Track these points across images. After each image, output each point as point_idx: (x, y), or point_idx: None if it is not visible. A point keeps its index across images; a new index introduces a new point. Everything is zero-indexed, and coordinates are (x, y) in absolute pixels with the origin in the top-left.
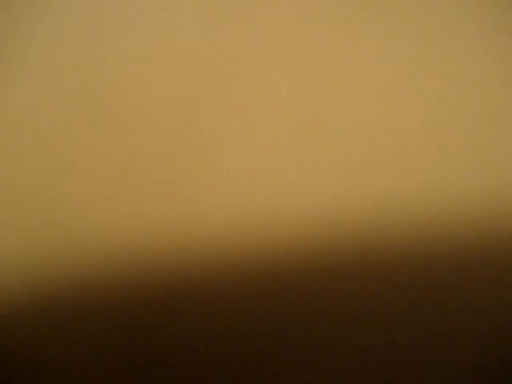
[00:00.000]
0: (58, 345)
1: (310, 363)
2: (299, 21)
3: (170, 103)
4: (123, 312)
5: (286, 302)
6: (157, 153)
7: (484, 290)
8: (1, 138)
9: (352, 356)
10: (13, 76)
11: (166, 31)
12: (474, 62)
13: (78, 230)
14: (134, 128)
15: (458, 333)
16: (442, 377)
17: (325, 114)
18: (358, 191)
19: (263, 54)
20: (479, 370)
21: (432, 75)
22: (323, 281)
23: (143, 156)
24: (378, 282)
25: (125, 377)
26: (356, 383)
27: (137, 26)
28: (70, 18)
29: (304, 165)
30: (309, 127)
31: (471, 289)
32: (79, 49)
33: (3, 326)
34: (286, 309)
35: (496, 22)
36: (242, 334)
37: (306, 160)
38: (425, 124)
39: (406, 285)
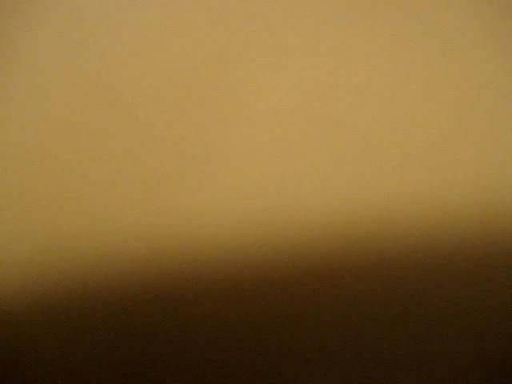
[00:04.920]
0: (58, 345)
1: (309, 363)
2: (299, 21)
3: (171, 104)
4: (123, 312)
5: (286, 302)
6: (157, 153)
7: (484, 290)
8: (1, 138)
9: (352, 357)
10: (13, 77)
11: (167, 31)
12: (475, 61)
13: (77, 230)
14: (134, 129)
15: (458, 334)
16: (442, 378)
17: (325, 114)
18: (357, 193)
19: (264, 54)
20: (479, 370)
21: (432, 76)
22: (322, 281)
23: (144, 157)
24: (379, 282)
25: (124, 377)
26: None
27: (138, 27)
28: (70, 18)
29: (304, 165)
30: (309, 128)
31: (471, 290)
32: (80, 50)
33: (3, 326)
34: (285, 309)
35: (497, 20)
36: (242, 335)
37: (306, 160)
38: (425, 124)
39: (405, 286)
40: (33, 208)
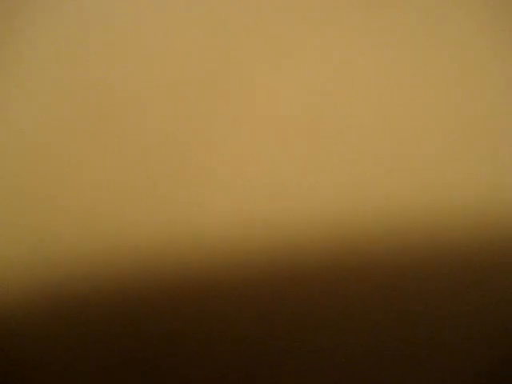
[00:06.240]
0: (58, 345)
1: (308, 364)
2: (299, 21)
3: (171, 103)
4: (123, 312)
5: (285, 302)
6: (157, 153)
7: (484, 291)
8: (1, 138)
9: (351, 357)
10: (12, 76)
11: (168, 32)
12: (475, 61)
13: (77, 230)
14: (134, 129)
15: (459, 336)
16: (442, 379)
17: (326, 114)
18: (357, 194)
19: (265, 53)
20: (479, 371)
21: (433, 77)
22: (322, 282)
23: (144, 157)
24: (378, 283)
25: (123, 377)
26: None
27: (138, 28)
28: (71, 18)
29: (305, 167)
30: (310, 128)
31: (471, 291)
32: (81, 50)
33: (3, 327)
34: (284, 309)
35: (498, 21)
36: (240, 335)
37: (307, 162)
38: (425, 125)
39: (405, 286)
40: (32, 208)
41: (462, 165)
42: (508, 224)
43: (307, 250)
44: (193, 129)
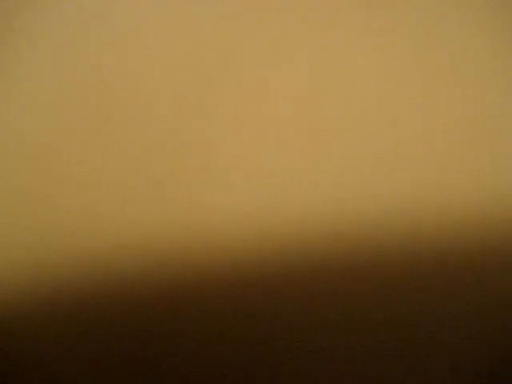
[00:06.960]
0: (57, 345)
1: (307, 364)
2: (298, 21)
3: (172, 103)
4: (123, 313)
5: (285, 303)
6: (158, 153)
7: (484, 291)
8: (2, 138)
9: (351, 358)
10: (13, 77)
11: (168, 32)
12: (475, 61)
13: (78, 230)
14: (135, 128)
15: (458, 336)
16: (441, 380)
17: (325, 114)
18: (357, 194)
19: (266, 53)
20: (479, 371)
21: (433, 77)
22: (322, 282)
23: (144, 157)
24: (377, 283)
25: (123, 377)
26: None
27: (138, 27)
28: (71, 18)
29: (305, 167)
30: (310, 128)
31: (471, 291)
32: (81, 51)
33: (3, 327)
34: (285, 310)
35: (497, 21)
36: (240, 336)
37: (307, 162)
38: (425, 125)
39: (405, 286)
40: (32, 208)
41: (462, 165)
42: (508, 224)
43: (307, 249)
44: (193, 129)
